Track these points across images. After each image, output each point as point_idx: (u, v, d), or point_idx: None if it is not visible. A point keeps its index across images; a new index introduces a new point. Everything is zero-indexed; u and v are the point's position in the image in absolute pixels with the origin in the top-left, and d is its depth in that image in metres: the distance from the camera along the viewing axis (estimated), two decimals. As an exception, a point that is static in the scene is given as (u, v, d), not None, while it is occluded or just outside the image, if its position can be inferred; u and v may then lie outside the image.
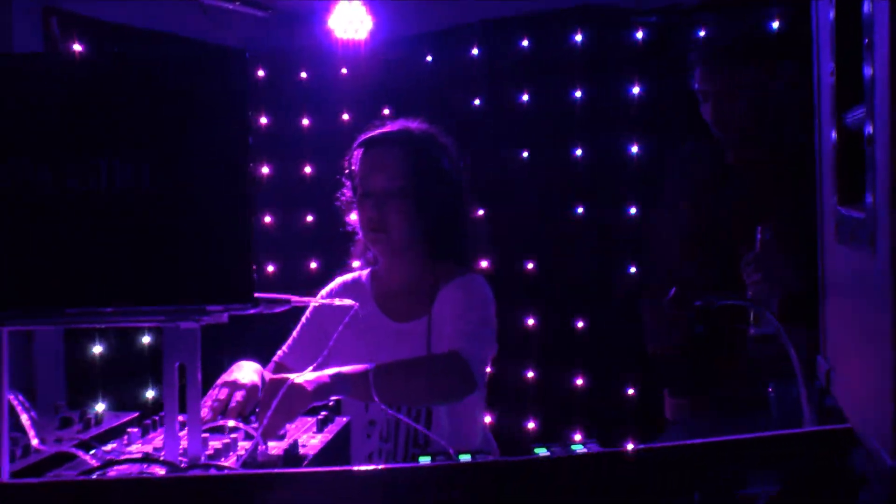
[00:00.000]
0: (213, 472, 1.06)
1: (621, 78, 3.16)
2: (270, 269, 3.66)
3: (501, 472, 0.97)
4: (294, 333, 2.00)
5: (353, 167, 1.98)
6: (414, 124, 2.02)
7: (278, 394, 1.41)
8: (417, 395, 1.76)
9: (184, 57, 0.97)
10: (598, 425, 3.06)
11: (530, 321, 3.23)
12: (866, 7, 0.60)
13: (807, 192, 2.13)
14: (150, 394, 3.06)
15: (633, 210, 3.12)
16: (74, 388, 2.84)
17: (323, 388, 1.55)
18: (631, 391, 3.08)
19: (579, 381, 3.16)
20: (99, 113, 0.97)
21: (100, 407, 1.54)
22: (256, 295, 1.03)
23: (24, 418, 1.21)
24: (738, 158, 2.20)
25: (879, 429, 0.59)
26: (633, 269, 3.09)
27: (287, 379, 1.48)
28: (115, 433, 1.44)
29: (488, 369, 1.95)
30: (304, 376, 1.53)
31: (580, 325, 3.12)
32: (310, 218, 3.72)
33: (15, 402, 1.23)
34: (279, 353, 1.97)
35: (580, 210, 3.20)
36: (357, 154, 1.97)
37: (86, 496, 0.93)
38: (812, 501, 0.97)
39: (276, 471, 0.98)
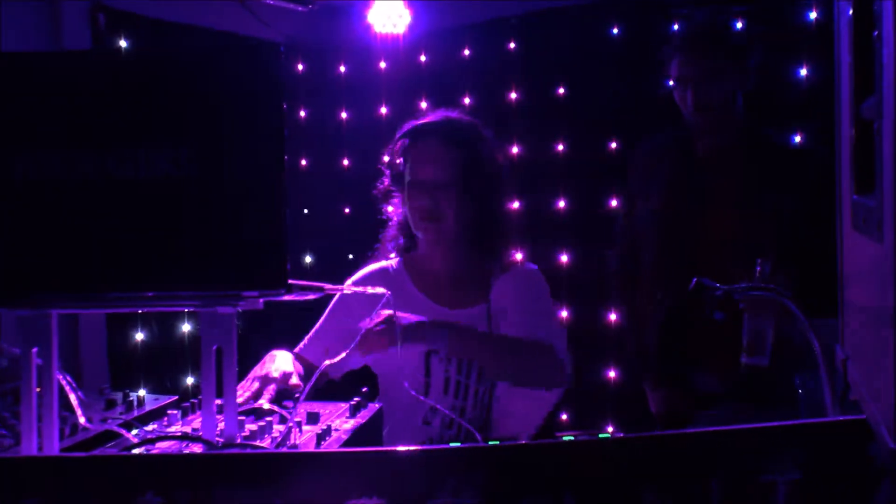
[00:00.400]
0: (248, 450, 1.11)
1: (659, 71, 3.14)
2: (308, 259, 3.73)
3: (525, 455, 1.00)
4: (317, 325, 2.02)
5: (397, 157, 1.99)
6: (455, 115, 2.04)
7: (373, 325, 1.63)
8: (518, 369, 1.88)
9: (221, 50, 1.01)
10: (630, 418, 3.06)
11: (563, 313, 3.25)
12: (877, 2, 0.62)
13: (770, 179, 2.19)
14: (189, 380, 3.15)
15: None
16: (116, 373, 2.93)
17: (414, 330, 1.75)
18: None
19: (612, 374, 3.16)
20: (140, 105, 1.01)
21: (141, 391, 1.60)
22: (290, 282, 1.07)
23: (73, 398, 1.27)
24: (707, 146, 2.26)
25: (885, 412, 0.61)
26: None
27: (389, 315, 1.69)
28: (156, 415, 1.50)
29: None
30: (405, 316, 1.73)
31: (613, 317, 3.13)
32: (347, 210, 3.78)
33: (64, 383, 1.30)
34: (301, 344, 2.00)
35: (615, 203, 3.19)
36: (403, 144, 1.98)
37: (128, 469, 0.98)
38: (831, 490, 0.98)
39: (305, 451, 1.02)
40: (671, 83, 2.33)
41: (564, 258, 3.30)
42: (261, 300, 1.17)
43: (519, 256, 3.17)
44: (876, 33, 0.61)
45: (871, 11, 0.66)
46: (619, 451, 1.01)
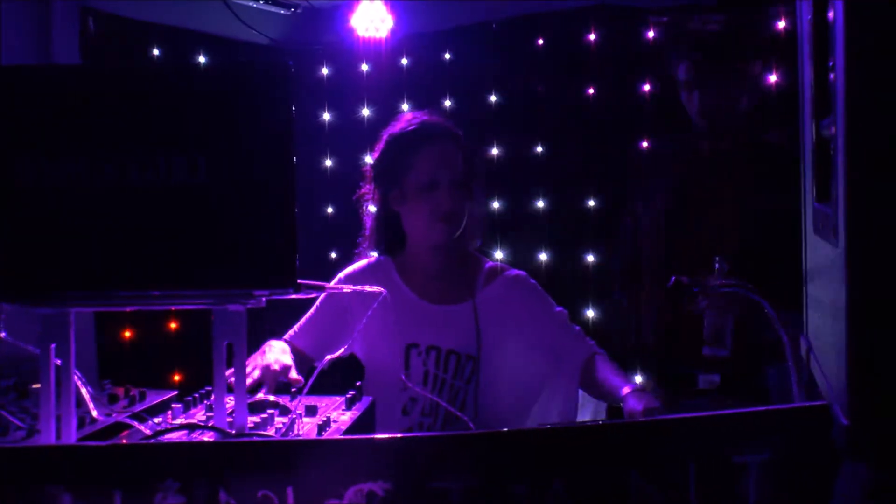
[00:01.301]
0: (255, 438, 1.18)
1: (635, 76, 3.24)
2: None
3: (519, 441, 1.08)
4: (307, 315, 2.08)
5: (391, 157, 2.02)
6: (432, 117, 2.09)
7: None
8: None
9: (236, 65, 1.09)
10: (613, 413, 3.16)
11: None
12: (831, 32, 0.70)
13: (767, 181, 2.31)
14: (176, 377, 3.19)
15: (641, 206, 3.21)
16: (105, 369, 2.97)
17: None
18: (638, 379, 3.17)
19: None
20: (160, 117, 1.08)
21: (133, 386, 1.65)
22: (298, 281, 1.14)
23: (85, 392, 1.33)
24: (712, 149, 2.38)
25: (838, 393, 0.70)
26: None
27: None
28: (160, 409, 1.56)
29: None
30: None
31: (590, 314, 3.23)
32: (330, 210, 3.84)
33: (76, 378, 1.35)
34: (290, 332, 2.06)
35: (591, 204, 3.29)
36: (403, 145, 2.01)
37: (149, 457, 1.04)
38: (798, 471, 1.07)
39: (315, 438, 1.09)
40: (679, 87, 2.43)
41: (543, 257, 3.39)
42: (264, 299, 1.24)
43: (499, 255, 3.27)
44: (831, 63, 0.70)
45: (827, 38, 0.74)
46: (605, 438, 1.09)
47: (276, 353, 1.82)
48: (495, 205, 3.49)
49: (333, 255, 3.74)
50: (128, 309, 1.03)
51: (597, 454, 1.08)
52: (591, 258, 3.31)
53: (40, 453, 1.05)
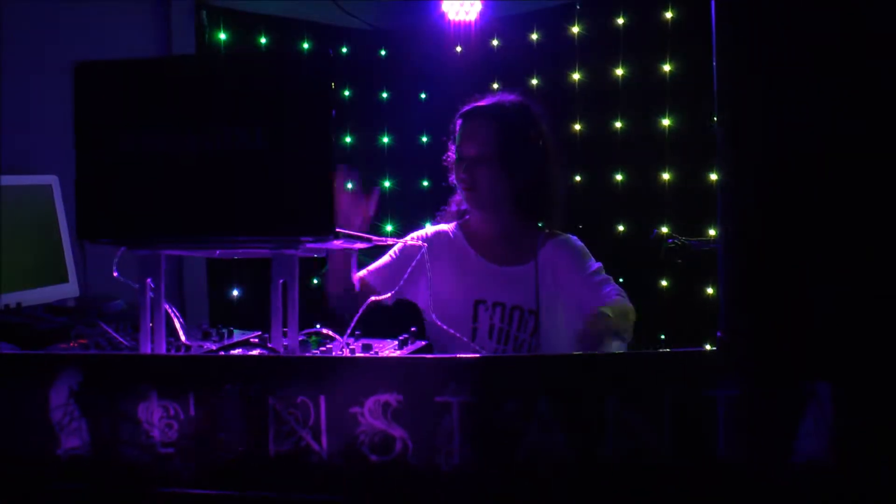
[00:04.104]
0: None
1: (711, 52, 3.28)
2: (389, 228, 4.07)
3: (509, 365, 1.27)
4: (383, 259, 2.34)
5: (453, 136, 2.32)
6: (510, 97, 2.31)
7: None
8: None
9: (287, 54, 1.34)
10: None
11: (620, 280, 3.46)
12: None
13: None
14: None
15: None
16: (216, 320, 3.34)
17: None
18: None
19: (663, 336, 3.36)
20: (226, 96, 1.35)
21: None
22: (338, 230, 1.38)
23: (177, 324, 1.63)
24: None
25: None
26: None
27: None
28: (242, 344, 1.86)
29: None
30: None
31: (664, 283, 3.33)
32: (425, 183, 4.09)
33: (171, 312, 1.66)
34: (365, 270, 2.32)
35: (666, 177, 3.38)
36: (458, 123, 2.30)
37: (213, 365, 1.31)
38: (763, 404, 1.22)
39: (342, 356, 1.33)
40: None
41: (620, 227, 3.52)
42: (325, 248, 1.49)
43: (580, 227, 3.41)
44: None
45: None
46: (586, 365, 1.27)
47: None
48: (577, 178, 3.64)
49: (429, 224, 3.99)
50: (203, 254, 1.29)
51: (579, 379, 1.25)
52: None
53: (136, 360, 1.34)
